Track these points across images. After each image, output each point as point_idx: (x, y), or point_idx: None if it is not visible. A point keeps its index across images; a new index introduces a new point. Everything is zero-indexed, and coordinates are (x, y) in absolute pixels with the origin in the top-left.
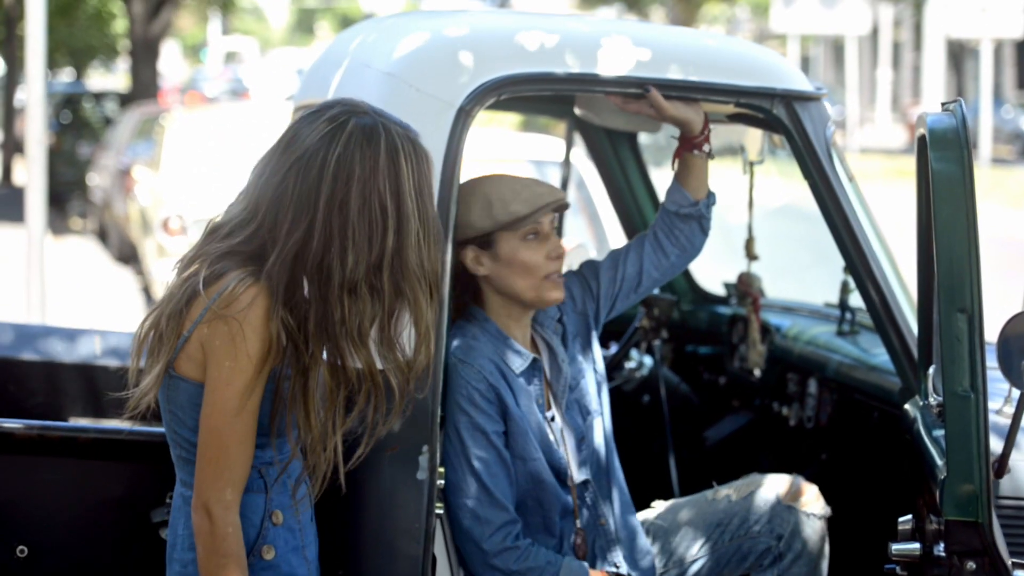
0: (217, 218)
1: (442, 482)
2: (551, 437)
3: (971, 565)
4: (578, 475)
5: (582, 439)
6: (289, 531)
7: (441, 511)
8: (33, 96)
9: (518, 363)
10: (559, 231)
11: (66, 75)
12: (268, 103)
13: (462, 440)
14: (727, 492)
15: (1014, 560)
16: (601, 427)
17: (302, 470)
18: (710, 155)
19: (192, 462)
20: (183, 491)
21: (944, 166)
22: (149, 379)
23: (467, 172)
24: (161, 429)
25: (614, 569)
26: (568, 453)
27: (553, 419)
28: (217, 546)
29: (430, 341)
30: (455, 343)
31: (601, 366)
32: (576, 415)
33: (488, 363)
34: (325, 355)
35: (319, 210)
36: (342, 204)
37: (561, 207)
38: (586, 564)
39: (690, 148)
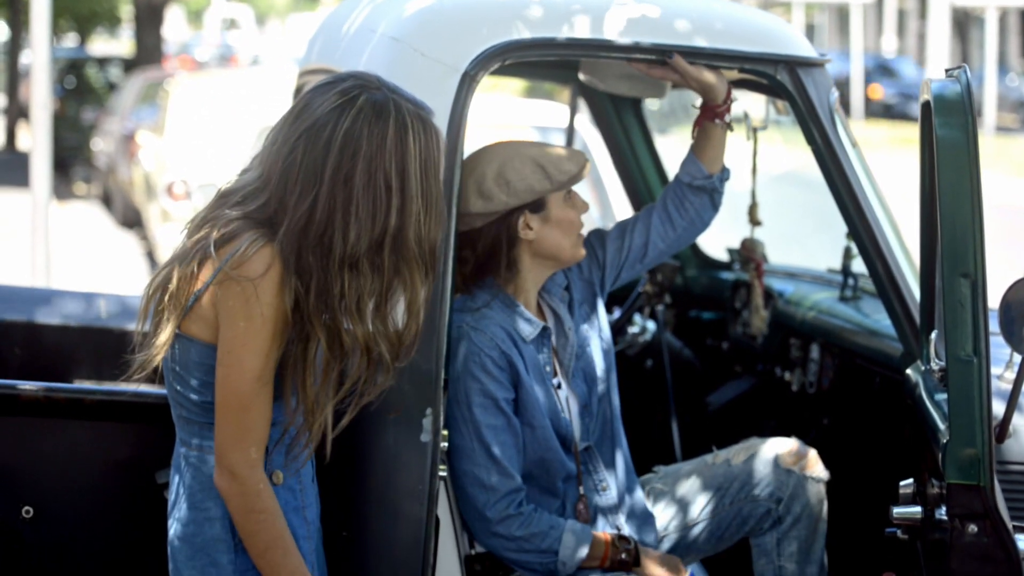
0: (228, 184)
1: (445, 444)
2: (557, 404)
3: (972, 528)
4: (581, 441)
5: (586, 406)
6: (289, 491)
7: (445, 473)
8: (38, 60)
9: (528, 331)
10: None
11: (70, 41)
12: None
13: (471, 407)
14: (727, 456)
15: (1015, 523)
16: (607, 395)
17: (304, 432)
18: (729, 127)
19: (193, 422)
20: (184, 451)
21: (948, 132)
22: (160, 340)
23: (472, 137)
24: (163, 391)
25: (615, 531)
26: (573, 420)
27: (559, 386)
28: (252, 504)
29: (419, 317)
30: (466, 312)
31: (608, 334)
32: (581, 382)
33: (500, 331)
34: (324, 326)
35: (324, 183)
36: (347, 178)
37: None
38: (588, 527)
39: (711, 117)
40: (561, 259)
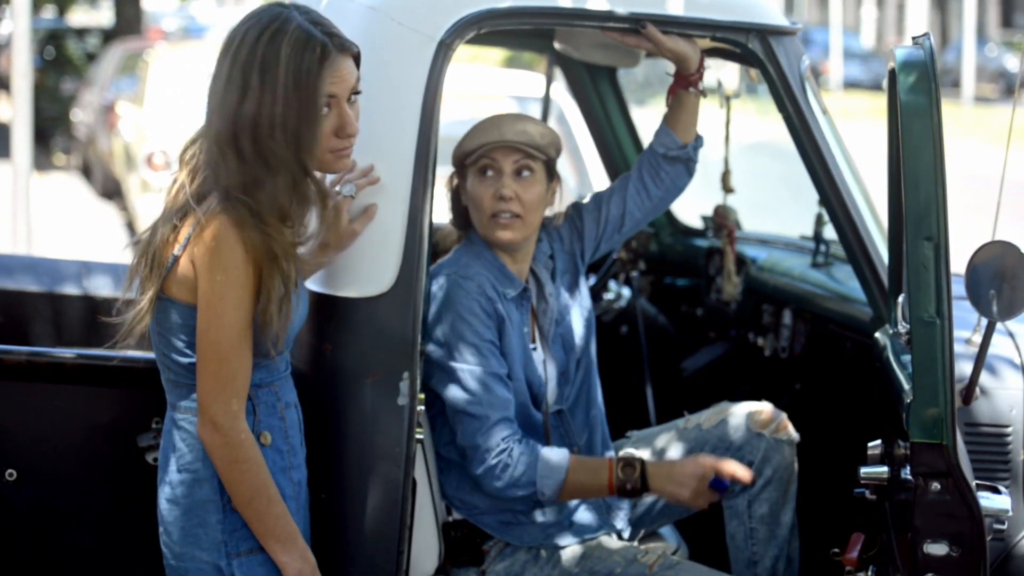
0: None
1: (422, 408)
2: (532, 362)
3: (935, 486)
4: (554, 405)
5: (563, 372)
6: (277, 452)
7: (422, 436)
8: (19, 30)
9: (509, 289)
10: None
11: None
12: None
13: (460, 349)
14: (698, 421)
15: (978, 481)
16: (585, 362)
17: (294, 394)
18: (702, 94)
19: (182, 384)
20: (173, 415)
21: (912, 97)
22: (143, 303)
23: (449, 107)
24: (147, 355)
25: (618, 456)
26: (549, 383)
27: (535, 350)
28: (235, 454)
29: (294, 220)
30: (451, 266)
31: (589, 304)
32: (559, 349)
33: (485, 281)
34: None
35: (219, 79)
36: (227, 71)
37: (525, 152)
38: (565, 453)
39: (685, 85)
40: (481, 233)
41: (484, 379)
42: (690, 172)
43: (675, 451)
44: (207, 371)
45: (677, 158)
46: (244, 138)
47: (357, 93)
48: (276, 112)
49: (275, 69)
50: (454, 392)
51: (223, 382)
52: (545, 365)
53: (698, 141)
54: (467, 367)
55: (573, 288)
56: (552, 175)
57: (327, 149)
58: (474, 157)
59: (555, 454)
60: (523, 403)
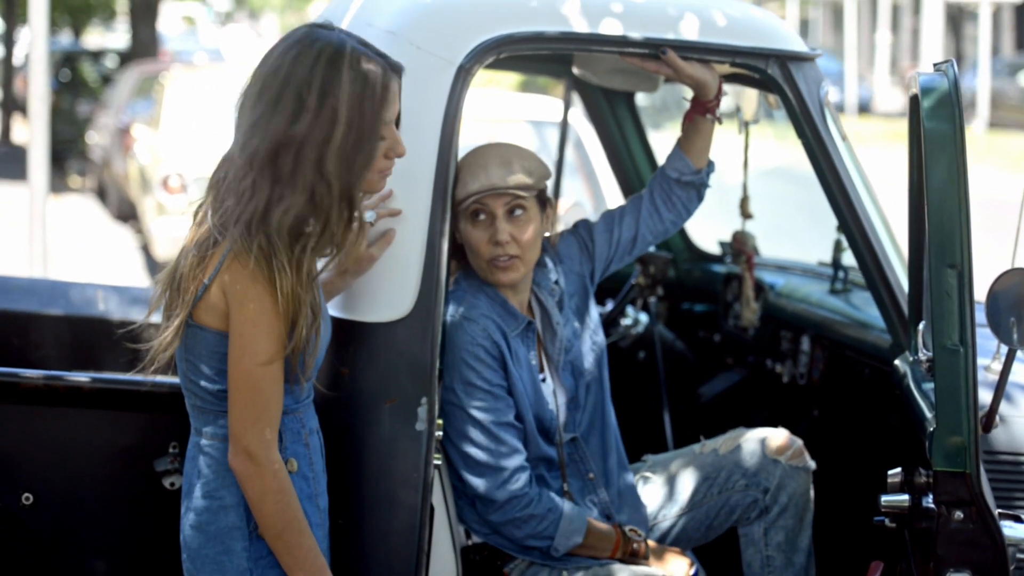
0: (217, 169)
1: (440, 433)
2: (543, 397)
3: (958, 515)
4: (567, 433)
5: (573, 399)
6: (303, 479)
7: (440, 462)
8: (36, 53)
9: (513, 325)
10: (556, 194)
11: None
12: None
13: (469, 394)
14: (714, 446)
15: (1001, 510)
16: (596, 386)
17: (316, 420)
18: (719, 120)
19: (208, 411)
20: (197, 440)
21: (936, 124)
22: (170, 331)
23: (467, 131)
24: (166, 379)
25: (622, 524)
26: (559, 411)
27: (544, 380)
28: (268, 484)
29: (335, 247)
30: (458, 303)
31: (598, 325)
32: (569, 376)
33: (490, 322)
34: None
35: (261, 103)
36: (275, 94)
37: (513, 197)
38: (584, 513)
39: (702, 112)
40: (481, 276)
41: (494, 429)
42: (701, 197)
43: (690, 476)
44: (240, 400)
45: (690, 183)
46: (286, 158)
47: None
48: (335, 136)
49: (336, 93)
50: (464, 441)
51: (258, 411)
52: (555, 395)
53: (710, 167)
54: (476, 415)
55: (582, 311)
56: (544, 203)
57: (376, 169)
58: (465, 205)
59: (576, 516)
60: (536, 437)
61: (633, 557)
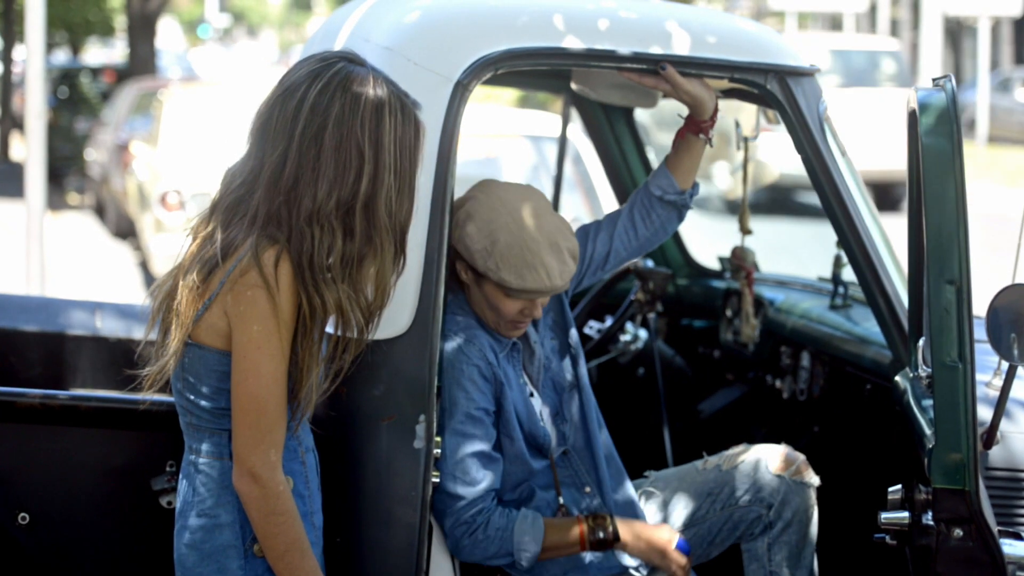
0: (220, 189)
1: (438, 451)
2: (536, 412)
3: (958, 532)
4: (557, 447)
5: (557, 413)
6: (299, 497)
7: (438, 479)
8: (32, 70)
9: (499, 347)
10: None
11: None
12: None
13: (453, 416)
14: (717, 462)
15: (1000, 528)
16: (577, 399)
17: (311, 438)
18: (710, 143)
19: (203, 429)
20: (192, 458)
21: (934, 140)
22: (170, 352)
23: (464, 146)
24: (162, 398)
25: (589, 512)
26: (547, 427)
27: (532, 395)
28: (273, 506)
29: (386, 292)
30: (451, 324)
31: (575, 338)
32: (551, 391)
33: (486, 344)
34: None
35: (294, 139)
36: (316, 135)
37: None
38: (540, 518)
39: (695, 131)
40: (485, 323)
41: (460, 455)
42: (681, 218)
43: (693, 492)
44: (244, 422)
45: (672, 203)
46: (357, 216)
47: None
48: (389, 185)
49: (384, 142)
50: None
51: (262, 433)
52: (541, 413)
53: (695, 188)
54: (453, 439)
55: (557, 325)
56: None
57: None
58: (512, 294)
59: (529, 527)
60: (527, 455)
61: (602, 546)
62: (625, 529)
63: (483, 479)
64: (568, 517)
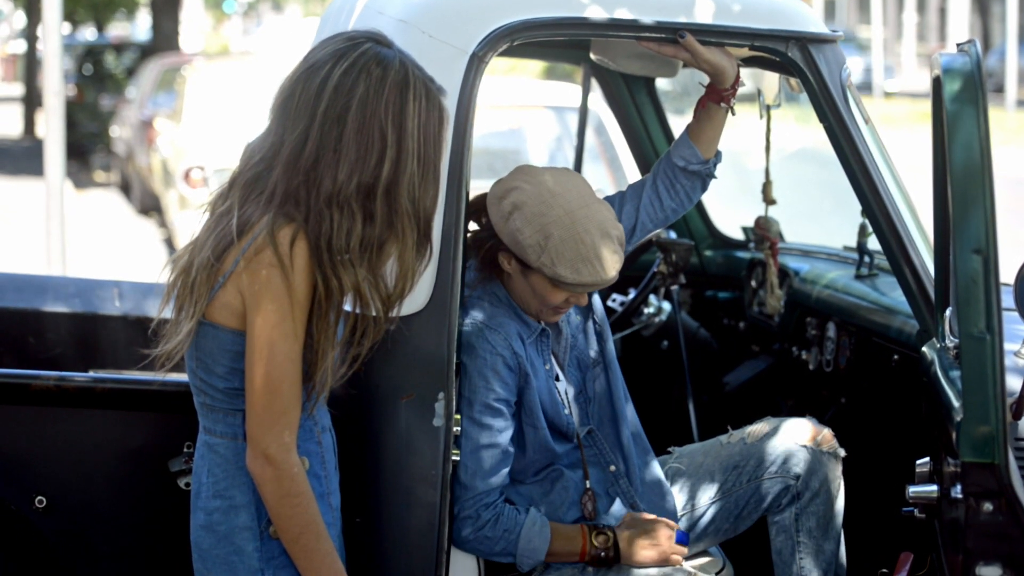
0: (240, 165)
1: (458, 429)
2: (559, 398)
3: (987, 506)
4: (582, 427)
5: (581, 391)
6: (315, 478)
7: (458, 457)
8: (50, 47)
9: (528, 333)
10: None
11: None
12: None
13: (472, 404)
14: (742, 436)
15: None
16: (604, 376)
17: (328, 418)
18: (731, 111)
19: (217, 409)
20: (207, 439)
21: (958, 106)
22: (184, 331)
23: (488, 118)
24: (178, 378)
25: (595, 523)
26: (572, 409)
27: (558, 378)
28: (287, 488)
29: (407, 278)
30: (478, 311)
31: (601, 313)
32: (575, 370)
33: (513, 332)
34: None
35: (316, 118)
36: (339, 117)
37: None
38: (547, 525)
39: (717, 100)
40: (524, 310)
41: (475, 447)
42: (704, 187)
43: (719, 465)
44: (258, 403)
45: (696, 173)
46: (378, 201)
47: None
48: (412, 171)
49: (408, 127)
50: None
51: (276, 415)
52: (566, 393)
53: (718, 157)
54: (471, 428)
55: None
56: None
57: None
58: (565, 287)
59: (536, 533)
60: (551, 440)
61: (602, 563)
62: (625, 542)
63: (494, 473)
64: (574, 526)
